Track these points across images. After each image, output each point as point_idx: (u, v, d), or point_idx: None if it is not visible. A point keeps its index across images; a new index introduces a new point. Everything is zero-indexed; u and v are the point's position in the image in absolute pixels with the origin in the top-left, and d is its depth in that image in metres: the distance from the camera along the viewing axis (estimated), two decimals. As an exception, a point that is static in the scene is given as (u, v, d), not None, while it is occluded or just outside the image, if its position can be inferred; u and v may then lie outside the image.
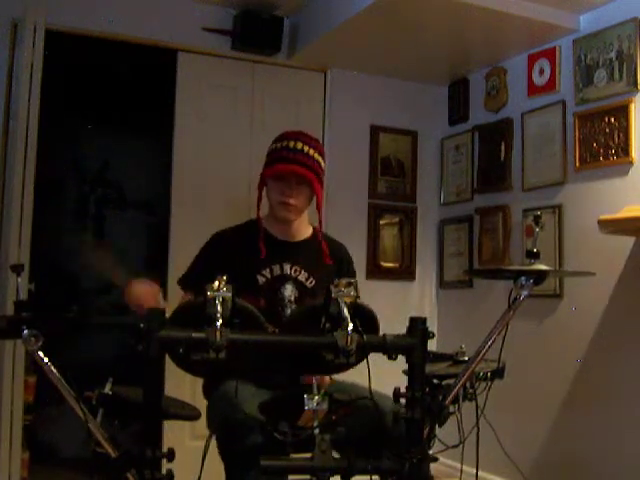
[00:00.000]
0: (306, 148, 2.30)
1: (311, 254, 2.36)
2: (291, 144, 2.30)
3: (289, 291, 2.30)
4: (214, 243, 2.36)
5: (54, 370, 1.59)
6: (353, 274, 2.45)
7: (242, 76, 3.85)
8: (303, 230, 2.41)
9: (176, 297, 2.34)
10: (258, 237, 2.31)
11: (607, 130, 3.21)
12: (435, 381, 1.84)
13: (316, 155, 2.32)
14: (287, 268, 2.31)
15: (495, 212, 3.87)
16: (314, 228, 2.45)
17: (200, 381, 2.32)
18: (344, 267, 2.43)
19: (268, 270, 2.29)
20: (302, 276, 2.32)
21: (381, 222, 4.19)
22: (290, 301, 2.29)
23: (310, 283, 2.32)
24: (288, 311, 2.27)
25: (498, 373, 1.93)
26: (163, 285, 3.59)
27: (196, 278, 2.22)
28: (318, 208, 2.36)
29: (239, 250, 2.29)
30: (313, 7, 3.69)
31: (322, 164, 2.35)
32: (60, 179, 5.30)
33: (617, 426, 3.06)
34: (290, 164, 2.26)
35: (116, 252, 5.40)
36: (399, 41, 3.65)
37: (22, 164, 3.03)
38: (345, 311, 1.64)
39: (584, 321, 3.26)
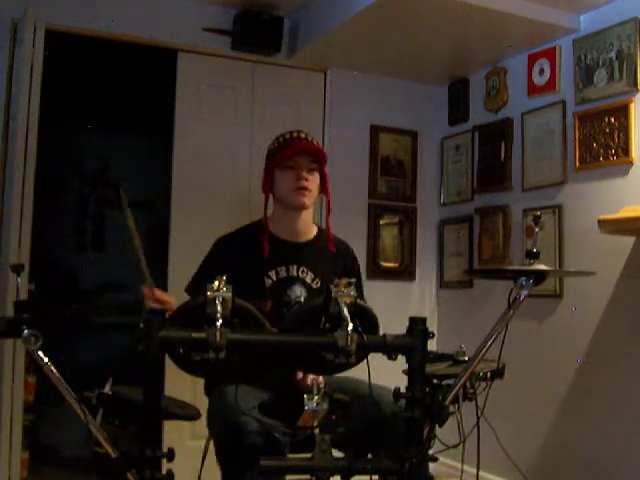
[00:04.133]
0: (310, 137, 2.35)
1: (317, 254, 2.36)
2: (294, 134, 2.34)
3: (297, 292, 2.29)
4: (219, 249, 2.35)
5: (54, 370, 1.59)
6: (358, 273, 2.48)
7: (242, 76, 3.85)
8: (309, 230, 2.41)
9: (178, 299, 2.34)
10: (263, 238, 2.31)
11: (607, 130, 3.21)
12: (435, 381, 1.84)
13: (318, 143, 2.38)
14: (293, 269, 2.31)
15: (495, 212, 3.87)
16: (318, 227, 2.45)
17: (200, 381, 2.32)
18: (348, 265, 2.45)
19: (274, 272, 2.29)
20: (309, 277, 2.33)
21: (381, 222, 4.19)
22: (298, 302, 2.29)
23: (316, 284, 2.33)
24: None
25: (498, 373, 1.93)
26: (163, 285, 3.60)
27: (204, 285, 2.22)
28: (327, 194, 2.39)
29: (244, 253, 2.28)
30: (313, 7, 3.69)
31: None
32: (60, 179, 5.30)
33: (617, 426, 3.06)
34: (301, 147, 2.30)
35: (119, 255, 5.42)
36: (399, 41, 3.65)
37: (22, 164, 3.03)
38: (345, 311, 1.64)
39: (584, 321, 3.26)
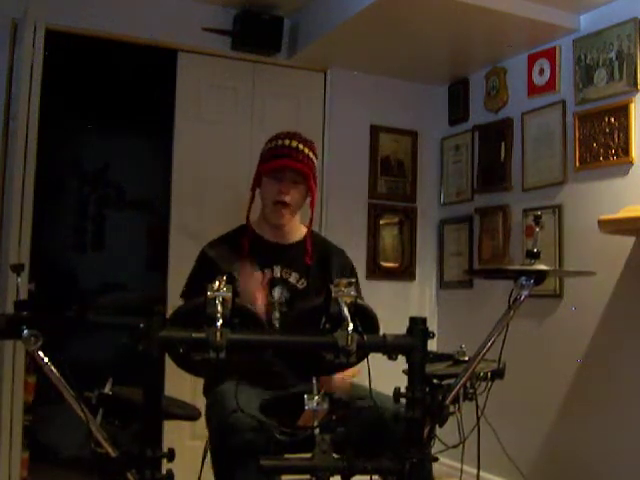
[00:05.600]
0: (301, 146, 2.31)
1: (303, 256, 2.35)
2: (286, 142, 2.31)
3: (278, 293, 2.29)
4: (204, 256, 2.34)
5: (54, 370, 1.59)
6: (352, 275, 2.44)
7: (242, 76, 3.85)
8: (295, 232, 2.41)
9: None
10: (247, 242, 2.30)
11: (607, 130, 3.21)
12: (435, 381, 1.84)
13: (310, 154, 2.33)
14: (277, 271, 2.31)
15: (495, 212, 3.87)
16: (308, 230, 2.44)
17: (200, 381, 2.32)
18: (345, 272, 2.40)
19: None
20: (293, 278, 2.32)
21: (381, 222, 4.19)
22: (280, 303, 2.28)
23: (301, 285, 2.32)
24: (275, 314, 2.27)
25: (498, 373, 1.93)
26: (163, 284, 3.60)
27: (197, 292, 2.23)
28: (312, 207, 2.36)
29: (229, 256, 2.28)
30: (313, 7, 3.69)
31: (315, 163, 2.37)
32: (60, 179, 5.31)
33: (617, 426, 3.06)
34: (288, 159, 2.27)
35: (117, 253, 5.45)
36: (399, 41, 3.65)
37: (22, 164, 3.03)
38: (345, 311, 1.64)
39: (584, 321, 3.26)
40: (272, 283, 2.29)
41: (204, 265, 2.32)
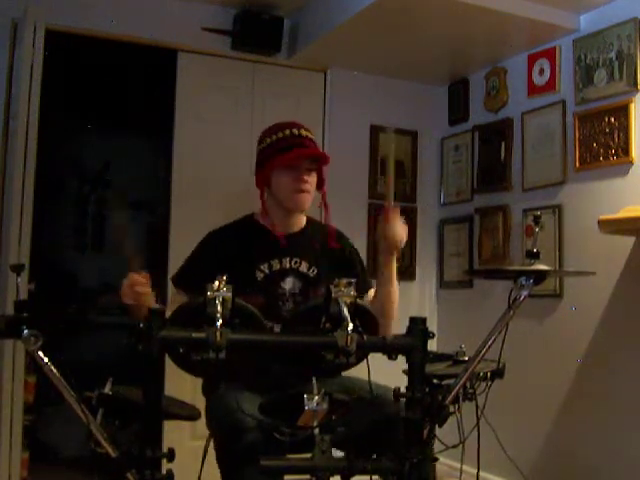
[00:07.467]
0: (304, 132, 2.30)
1: (310, 243, 2.34)
2: (294, 131, 2.28)
3: (290, 284, 2.27)
4: (209, 242, 2.33)
5: (54, 370, 1.59)
6: (361, 262, 2.49)
7: (242, 76, 3.85)
8: (299, 220, 2.39)
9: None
10: (254, 234, 2.30)
11: (607, 130, 3.21)
12: (435, 381, 1.84)
13: (314, 137, 2.33)
14: (286, 261, 2.28)
15: (495, 212, 3.87)
16: (307, 217, 2.43)
17: (200, 381, 2.32)
18: (347, 255, 2.43)
19: (267, 265, 2.26)
20: (303, 267, 2.29)
21: (381, 222, 4.18)
22: (293, 294, 2.27)
23: (312, 272, 2.29)
24: (288, 305, 2.25)
25: (498, 373, 1.93)
26: (163, 284, 3.60)
27: (191, 276, 2.22)
28: (323, 191, 2.36)
29: (236, 247, 2.26)
30: (313, 7, 3.70)
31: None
32: (60, 179, 5.30)
33: (617, 426, 3.06)
34: (301, 148, 2.25)
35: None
36: (399, 41, 3.65)
37: (22, 164, 3.03)
38: (345, 311, 1.64)
39: (584, 321, 3.26)
40: (283, 274, 2.28)
41: (207, 250, 2.30)
